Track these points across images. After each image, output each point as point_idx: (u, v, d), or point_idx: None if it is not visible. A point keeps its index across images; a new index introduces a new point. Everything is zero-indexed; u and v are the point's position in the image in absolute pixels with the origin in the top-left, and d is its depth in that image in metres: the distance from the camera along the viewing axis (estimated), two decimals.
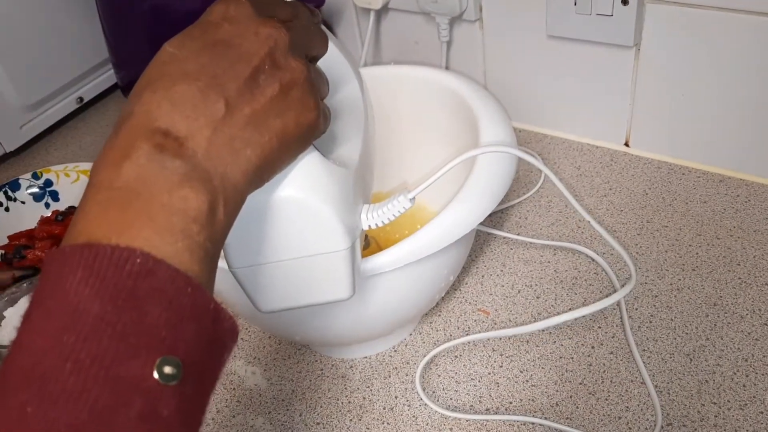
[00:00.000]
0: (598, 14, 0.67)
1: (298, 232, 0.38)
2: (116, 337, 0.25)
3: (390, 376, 0.57)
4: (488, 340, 0.59)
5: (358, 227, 0.42)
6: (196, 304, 0.27)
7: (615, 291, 0.61)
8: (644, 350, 0.56)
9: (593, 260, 0.64)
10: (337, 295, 0.42)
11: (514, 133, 0.56)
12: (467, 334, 0.59)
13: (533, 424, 0.52)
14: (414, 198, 0.45)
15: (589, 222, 0.51)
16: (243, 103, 0.32)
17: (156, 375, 0.25)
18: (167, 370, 0.25)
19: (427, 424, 0.53)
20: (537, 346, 0.58)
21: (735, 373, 0.53)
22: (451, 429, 0.53)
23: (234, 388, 0.58)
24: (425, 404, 0.55)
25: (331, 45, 0.42)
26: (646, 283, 0.61)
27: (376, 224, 0.44)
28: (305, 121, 0.35)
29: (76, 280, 0.25)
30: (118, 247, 0.26)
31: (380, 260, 0.47)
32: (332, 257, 0.39)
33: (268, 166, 0.33)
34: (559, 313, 0.59)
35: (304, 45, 0.36)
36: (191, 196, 0.28)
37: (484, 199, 0.50)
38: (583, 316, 0.59)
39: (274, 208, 0.37)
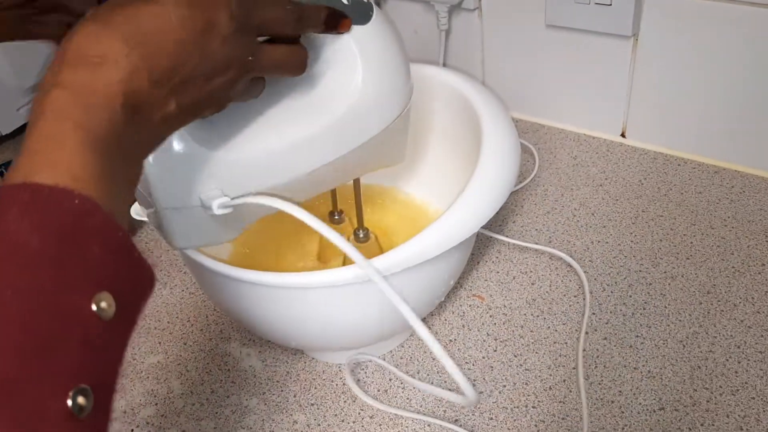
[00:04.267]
0: (596, 3, 0.67)
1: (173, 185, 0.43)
2: (56, 269, 0.26)
3: (384, 359, 0.57)
4: (483, 324, 0.59)
5: (189, 198, 0.43)
6: (126, 246, 0.29)
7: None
8: (638, 336, 0.56)
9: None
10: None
11: (515, 130, 0.56)
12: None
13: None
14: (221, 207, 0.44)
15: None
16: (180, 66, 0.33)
17: (94, 308, 0.26)
18: (104, 305, 0.27)
19: (420, 406, 0.54)
20: (531, 331, 0.58)
21: (727, 360, 0.54)
22: (444, 411, 0.53)
23: (228, 369, 0.58)
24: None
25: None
26: (640, 270, 0.62)
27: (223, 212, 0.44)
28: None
29: (13, 216, 0.26)
30: (57, 186, 0.27)
31: (378, 264, 0.45)
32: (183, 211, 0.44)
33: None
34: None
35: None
36: None
37: (487, 202, 0.49)
38: (578, 303, 0.60)
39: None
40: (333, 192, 0.60)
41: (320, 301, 0.48)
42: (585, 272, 0.62)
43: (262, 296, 0.48)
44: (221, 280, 0.49)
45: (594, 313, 0.59)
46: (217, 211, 0.43)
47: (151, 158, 0.40)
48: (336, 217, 0.61)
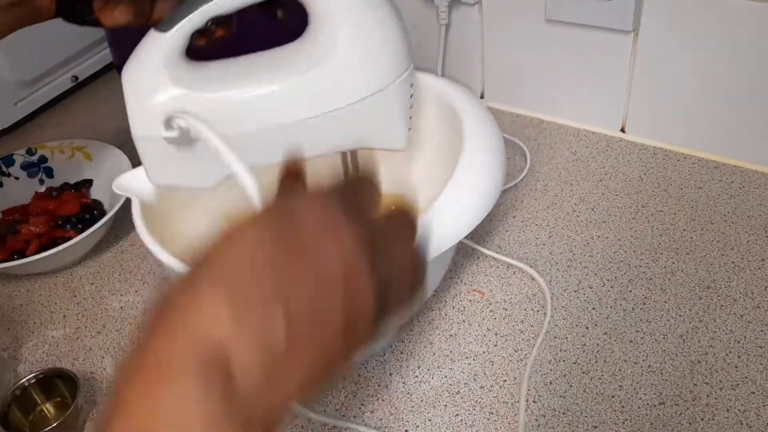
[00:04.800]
0: None
1: None
2: None
3: (384, 354, 0.57)
4: (483, 319, 0.59)
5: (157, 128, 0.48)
6: None
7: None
8: (638, 331, 0.56)
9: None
10: None
11: (500, 134, 0.56)
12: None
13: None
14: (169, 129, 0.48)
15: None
16: (304, 340, 0.26)
17: None
18: None
19: (421, 401, 0.54)
20: (532, 326, 0.58)
21: (727, 355, 0.54)
22: (445, 406, 0.53)
23: None
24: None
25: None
26: (640, 266, 0.62)
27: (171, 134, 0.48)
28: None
29: None
30: None
31: None
32: None
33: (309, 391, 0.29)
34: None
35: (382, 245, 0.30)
36: None
37: (467, 214, 0.49)
38: (579, 299, 0.60)
39: None
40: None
41: None
42: (548, 284, 0.61)
43: None
44: None
45: (594, 308, 0.59)
46: (166, 134, 0.46)
47: (125, 86, 0.46)
48: None
